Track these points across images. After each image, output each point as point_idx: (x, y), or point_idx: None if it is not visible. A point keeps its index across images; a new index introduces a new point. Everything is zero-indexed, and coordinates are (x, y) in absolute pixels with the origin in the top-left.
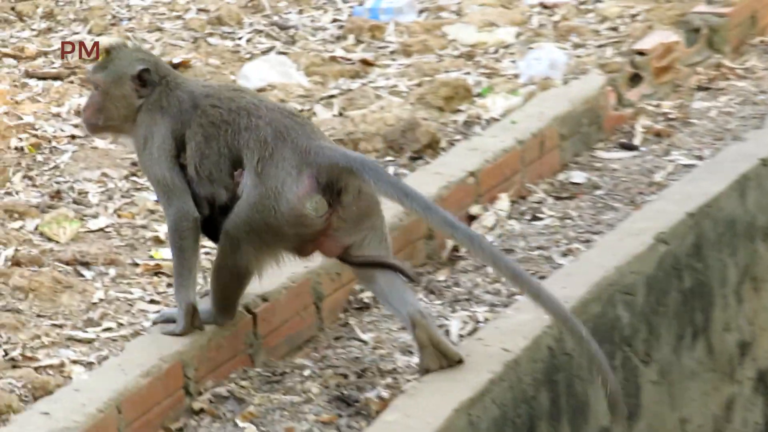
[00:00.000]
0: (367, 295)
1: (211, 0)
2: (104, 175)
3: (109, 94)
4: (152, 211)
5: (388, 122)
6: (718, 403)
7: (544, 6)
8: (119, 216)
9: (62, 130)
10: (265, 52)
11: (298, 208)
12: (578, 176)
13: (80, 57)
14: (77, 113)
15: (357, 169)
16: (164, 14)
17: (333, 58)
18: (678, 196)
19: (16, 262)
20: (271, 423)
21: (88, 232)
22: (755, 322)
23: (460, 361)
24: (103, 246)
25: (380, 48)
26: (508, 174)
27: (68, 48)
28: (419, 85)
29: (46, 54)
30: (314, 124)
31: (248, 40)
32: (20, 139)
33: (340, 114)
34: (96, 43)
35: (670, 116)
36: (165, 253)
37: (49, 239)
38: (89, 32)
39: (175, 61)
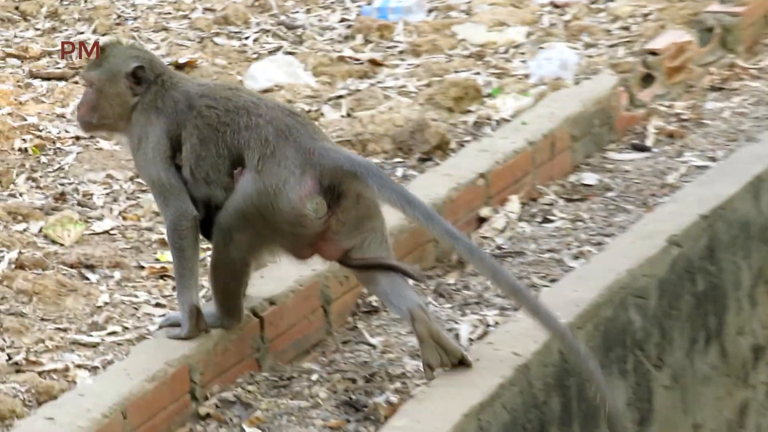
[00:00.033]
0: (375, 299)
1: None
2: (109, 176)
3: (103, 92)
4: (158, 213)
5: (397, 123)
6: (732, 408)
7: (555, 5)
8: (124, 218)
9: (67, 131)
10: (272, 52)
11: (299, 207)
12: (590, 178)
13: (80, 57)
14: None
15: (361, 173)
16: (170, 14)
17: (341, 58)
18: (691, 198)
19: (20, 265)
20: (278, 428)
21: (92, 234)
22: None
23: (462, 361)
24: (108, 249)
25: (389, 48)
26: (519, 175)
27: (68, 48)
28: (428, 85)
29: (50, 54)
30: (316, 124)
31: (255, 40)
32: (24, 140)
33: (348, 115)
34: (96, 43)
35: (683, 117)
36: (170, 256)
37: (54, 242)
38: (94, 32)
39: (181, 61)
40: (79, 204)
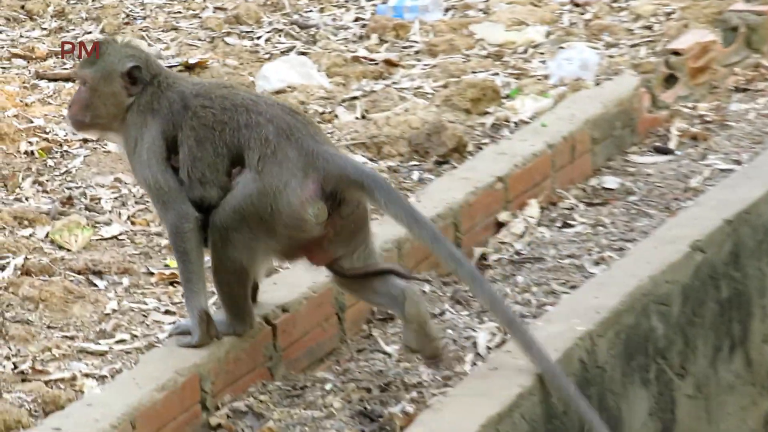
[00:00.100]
0: None
1: None
2: (117, 180)
3: (97, 91)
4: None
5: (413, 125)
6: (756, 417)
7: (576, 4)
8: (133, 223)
9: (74, 134)
10: (284, 52)
11: (300, 211)
12: (611, 181)
13: (80, 57)
14: None
15: (368, 185)
16: (180, 13)
17: (355, 59)
18: (715, 202)
19: (26, 271)
20: None
21: (100, 239)
22: None
23: (436, 354)
24: (117, 254)
25: (405, 48)
26: (538, 179)
27: (68, 47)
28: (445, 86)
29: (57, 55)
30: (316, 122)
31: (267, 40)
32: (30, 142)
33: (363, 116)
34: (96, 43)
35: (707, 119)
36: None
37: (61, 247)
38: (102, 32)
39: (192, 61)
40: (86, 208)
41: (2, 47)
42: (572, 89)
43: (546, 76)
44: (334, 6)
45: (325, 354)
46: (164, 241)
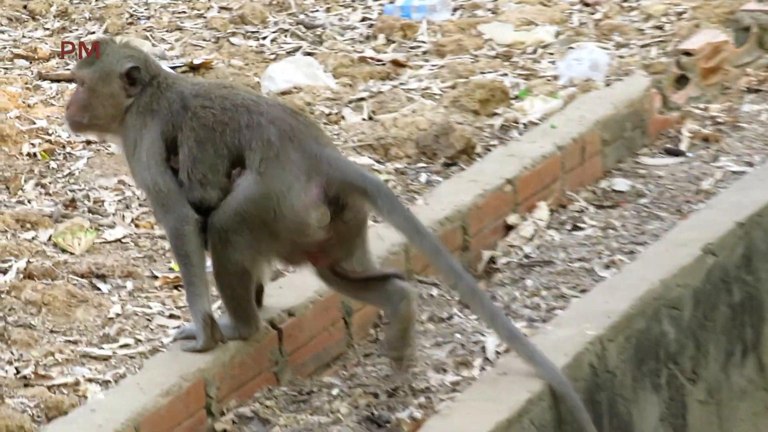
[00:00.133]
0: None
1: None
2: (121, 182)
3: (95, 92)
4: None
5: (421, 126)
6: None
7: (585, 3)
8: (137, 226)
9: (76, 135)
10: (290, 53)
11: (303, 215)
12: (621, 184)
13: (80, 57)
14: None
15: (371, 192)
16: (184, 13)
17: (362, 59)
18: (727, 205)
19: (29, 275)
20: None
21: (104, 242)
22: None
23: (407, 360)
24: (120, 258)
25: (412, 48)
26: (548, 181)
27: (68, 47)
28: (453, 87)
29: (59, 55)
30: (318, 124)
31: (273, 40)
32: (33, 144)
33: (370, 118)
34: (95, 43)
35: (719, 120)
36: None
37: (63, 250)
38: (105, 32)
39: (196, 62)
40: (89, 211)
41: (4, 47)
42: (582, 90)
43: (555, 77)
44: (341, 6)
45: (331, 359)
46: (168, 244)
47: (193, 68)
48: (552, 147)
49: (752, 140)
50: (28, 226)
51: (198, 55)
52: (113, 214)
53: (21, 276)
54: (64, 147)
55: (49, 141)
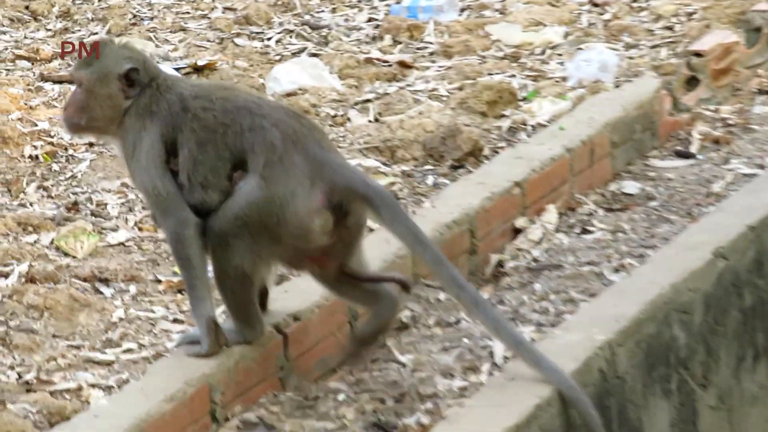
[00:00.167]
0: (405, 315)
1: None
2: (124, 185)
3: (93, 93)
4: None
5: (428, 128)
6: None
7: (594, 4)
8: (140, 229)
9: (79, 137)
10: (296, 54)
11: (306, 221)
12: (631, 186)
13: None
14: None
15: (374, 201)
16: (188, 13)
17: (368, 60)
18: (738, 208)
19: (31, 279)
20: None
21: (107, 246)
22: None
23: (363, 358)
24: (123, 261)
25: (419, 49)
26: (556, 184)
27: (68, 48)
28: (460, 88)
29: (61, 56)
30: (320, 127)
31: (278, 41)
32: (35, 146)
33: (376, 119)
34: (94, 44)
35: (730, 122)
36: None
37: (66, 254)
38: (108, 32)
39: (200, 63)
40: (92, 214)
41: (6, 48)
42: (591, 91)
43: (564, 78)
44: (347, 6)
45: (337, 364)
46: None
47: (197, 69)
48: (560, 149)
49: (763, 142)
50: (30, 229)
51: (202, 56)
52: (116, 217)
53: (23, 280)
54: (66, 149)
55: (51, 143)
